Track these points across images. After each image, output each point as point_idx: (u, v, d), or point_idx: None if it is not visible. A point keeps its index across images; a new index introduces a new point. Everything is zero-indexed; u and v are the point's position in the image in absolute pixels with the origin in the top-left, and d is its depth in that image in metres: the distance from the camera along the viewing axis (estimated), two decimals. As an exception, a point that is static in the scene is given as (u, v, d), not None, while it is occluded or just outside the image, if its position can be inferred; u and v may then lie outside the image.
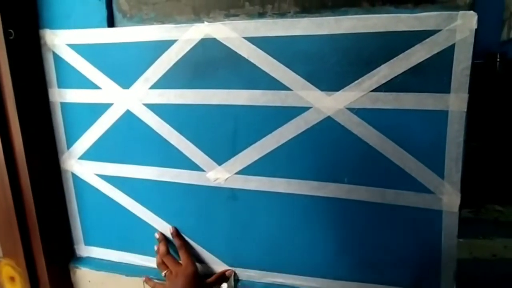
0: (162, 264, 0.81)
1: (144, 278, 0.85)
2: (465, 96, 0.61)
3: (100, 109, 0.82)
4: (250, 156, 0.74)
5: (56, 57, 0.82)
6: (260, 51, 0.69)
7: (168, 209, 0.83)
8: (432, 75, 0.62)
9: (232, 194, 0.77)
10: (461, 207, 0.65)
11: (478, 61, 0.62)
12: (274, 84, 0.69)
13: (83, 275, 0.92)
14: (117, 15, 0.77)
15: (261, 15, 0.69)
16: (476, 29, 0.59)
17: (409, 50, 0.62)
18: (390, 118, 0.65)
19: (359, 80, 0.65)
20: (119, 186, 0.85)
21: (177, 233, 0.82)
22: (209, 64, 0.72)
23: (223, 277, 0.81)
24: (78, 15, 0.79)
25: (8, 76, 0.78)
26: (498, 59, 1.58)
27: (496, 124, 1.57)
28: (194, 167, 0.78)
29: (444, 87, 0.62)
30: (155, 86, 0.76)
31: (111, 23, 0.78)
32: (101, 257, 0.92)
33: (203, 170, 0.78)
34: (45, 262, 0.88)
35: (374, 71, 0.64)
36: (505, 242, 1.23)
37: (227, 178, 0.76)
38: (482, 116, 1.43)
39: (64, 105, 0.85)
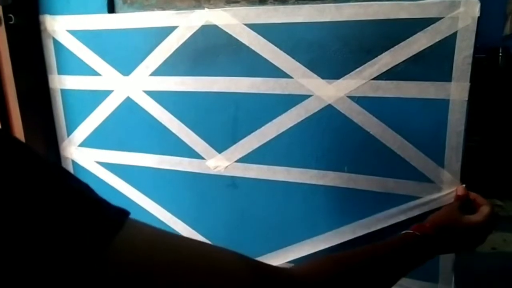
0: None
1: None
2: (466, 84, 0.60)
3: (100, 96, 0.82)
4: (250, 144, 0.74)
5: (56, 43, 0.82)
6: (261, 38, 0.68)
7: (168, 197, 0.83)
8: (433, 63, 0.61)
9: (232, 182, 0.77)
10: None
11: (480, 55, 0.62)
12: (275, 72, 0.69)
13: (82, 262, 0.93)
14: (118, 1, 0.77)
15: (262, 1, 0.69)
16: (478, 23, 0.58)
17: (410, 38, 0.61)
18: (391, 107, 0.65)
19: (360, 68, 0.65)
20: (119, 174, 0.85)
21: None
22: (209, 51, 0.72)
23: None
24: (79, 1, 0.78)
25: (8, 61, 0.78)
26: (500, 54, 1.57)
27: (497, 119, 1.57)
28: (194, 155, 0.78)
29: (445, 75, 0.61)
30: (156, 73, 0.76)
31: (111, 9, 0.77)
32: (101, 244, 0.92)
33: (203, 158, 0.78)
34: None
35: (375, 59, 0.64)
36: (505, 236, 1.23)
37: (227, 166, 0.76)
38: (483, 111, 1.43)
39: (64, 91, 0.85)
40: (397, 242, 0.55)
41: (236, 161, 0.76)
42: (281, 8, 0.67)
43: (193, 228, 0.83)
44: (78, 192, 0.30)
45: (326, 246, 0.73)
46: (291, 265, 0.77)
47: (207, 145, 0.77)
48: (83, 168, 0.88)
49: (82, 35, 0.80)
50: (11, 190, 0.26)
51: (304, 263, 0.45)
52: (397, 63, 0.63)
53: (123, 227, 0.30)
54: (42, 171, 0.28)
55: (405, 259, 0.53)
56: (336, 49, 0.65)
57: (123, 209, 0.31)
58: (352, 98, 0.66)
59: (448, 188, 0.65)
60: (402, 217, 0.68)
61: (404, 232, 0.56)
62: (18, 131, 0.82)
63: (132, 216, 0.32)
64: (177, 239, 0.34)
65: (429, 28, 0.60)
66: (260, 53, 0.69)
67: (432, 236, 0.56)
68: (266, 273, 0.38)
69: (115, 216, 0.31)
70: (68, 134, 0.88)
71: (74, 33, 0.80)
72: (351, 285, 0.45)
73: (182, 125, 0.77)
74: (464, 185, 0.65)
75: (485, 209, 0.63)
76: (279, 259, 0.77)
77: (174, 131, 0.78)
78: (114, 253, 0.28)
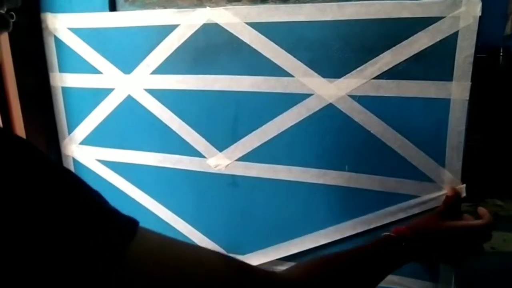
0: None
1: None
2: (467, 84, 0.60)
3: (101, 94, 0.82)
4: (251, 142, 0.74)
5: (58, 41, 0.82)
6: (262, 36, 0.68)
7: (169, 195, 0.83)
8: (434, 62, 0.61)
9: (233, 181, 0.77)
10: (462, 199, 0.65)
11: (481, 55, 0.62)
12: (276, 71, 0.69)
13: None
14: (119, -1, 0.77)
15: (264, 0, 0.69)
16: (479, 23, 0.58)
17: (412, 37, 0.61)
18: (392, 106, 0.65)
19: (362, 67, 0.65)
20: (120, 172, 0.86)
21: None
22: (211, 50, 0.72)
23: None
24: (80, -1, 0.79)
25: (9, 59, 0.78)
26: (501, 54, 1.57)
27: (498, 119, 1.57)
28: (195, 153, 0.78)
29: (446, 75, 0.61)
30: (157, 71, 0.76)
31: (112, 7, 0.77)
32: (101, 242, 0.93)
33: (204, 157, 0.78)
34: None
35: (377, 58, 0.64)
36: (504, 236, 1.23)
37: (227, 165, 0.76)
38: (484, 110, 1.43)
39: (65, 89, 0.85)
40: (375, 244, 0.57)
41: (237, 160, 0.76)
42: (282, 6, 0.67)
43: (194, 227, 0.83)
44: (93, 201, 0.32)
45: (327, 241, 0.73)
46: (290, 263, 0.77)
47: (208, 143, 0.77)
48: (84, 166, 0.89)
49: (83, 33, 0.80)
50: (28, 199, 0.27)
51: (290, 267, 0.49)
52: (398, 62, 0.63)
53: (135, 236, 0.32)
54: (58, 181, 0.30)
55: (383, 260, 0.56)
56: (337, 48, 0.65)
57: (133, 218, 0.33)
58: (353, 97, 0.66)
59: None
60: (402, 215, 0.68)
61: (384, 234, 0.59)
62: (20, 128, 0.82)
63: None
64: (181, 245, 0.37)
65: (430, 27, 0.60)
66: (261, 52, 0.69)
67: (408, 239, 0.58)
68: (253, 275, 0.41)
69: (128, 225, 0.32)
70: (69, 132, 0.88)
71: (75, 31, 0.80)
72: (333, 286, 0.48)
73: (183, 123, 0.77)
74: (459, 186, 0.64)
75: (480, 217, 0.64)
76: (279, 253, 0.78)
77: (175, 129, 0.78)
78: (128, 260, 0.30)
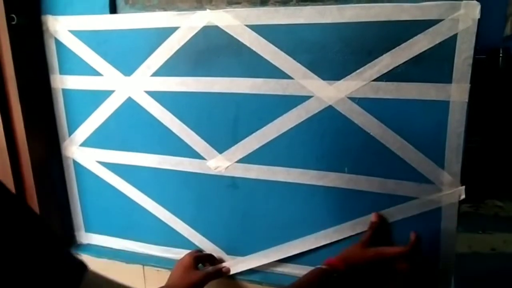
0: None
1: None
2: (466, 86, 0.61)
3: (101, 96, 0.82)
4: (250, 144, 0.74)
5: (58, 43, 0.82)
6: (262, 39, 0.69)
7: (169, 197, 0.83)
8: (434, 65, 0.62)
9: (233, 183, 0.77)
10: (461, 201, 0.65)
11: (480, 56, 0.62)
12: (275, 73, 0.69)
13: (83, 262, 0.93)
14: (119, 2, 0.78)
15: (264, 2, 0.69)
16: (478, 25, 0.58)
17: (411, 40, 0.62)
18: (391, 108, 0.65)
19: (361, 69, 0.65)
20: (120, 174, 0.86)
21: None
22: (211, 52, 0.72)
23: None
24: (81, 1, 0.79)
25: (10, 62, 0.78)
26: (500, 55, 1.57)
27: (497, 120, 1.57)
28: (195, 155, 0.78)
29: (445, 77, 0.61)
30: (157, 73, 0.76)
31: (113, 9, 0.78)
32: (102, 244, 0.93)
33: (203, 158, 0.78)
34: (45, 248, 0.88)
35: (376, 60, 0.64)
36: (504, 237, 1.23)
37: (227, 167, 0.77)
38: (483, 112, 1.43)
39: (65, 91, 0.85)
40: (309, 278, 0.61)
41: (237, 162, 0.76)
42: (282, 9, 0.67)
43: (194, 228, 0.83)
44: (42, 242, 0.32)
45: (327, 242, 0.74)
46: (289, 264, 0.78)
47: (208, 145, 0.77)
48: (84, 168, 0.89)
49: (84, 36, 0.80)
50: None
51: None
52: (397, 64, 0.63)
53: (82, 282, 0.32)
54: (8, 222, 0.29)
55: None
56: (337, 50, 0.66)
57: (82, 262, 0.34)
58: (352, 99, 0.66)
59: (448, 189, 0.65)
60: (401, 217, 0.68)
61: (316, 267, 0.63)
62: (20, 131, 0.82)
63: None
64: None
65: (429, 30, 0.60)
66: (261, 54, 0.69)
67: (339, 270, 0.61)
68: None
69: (76, 271, 0.33)
70: (70, 134, 0.88)
71: (76, 33, 0.80)
72: None
73: (183, 125, 0.78)
74: (459, 188, 0.65)
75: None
76: (279, 254, 0.78)
77: (175, 131, 0.78)
78: None
